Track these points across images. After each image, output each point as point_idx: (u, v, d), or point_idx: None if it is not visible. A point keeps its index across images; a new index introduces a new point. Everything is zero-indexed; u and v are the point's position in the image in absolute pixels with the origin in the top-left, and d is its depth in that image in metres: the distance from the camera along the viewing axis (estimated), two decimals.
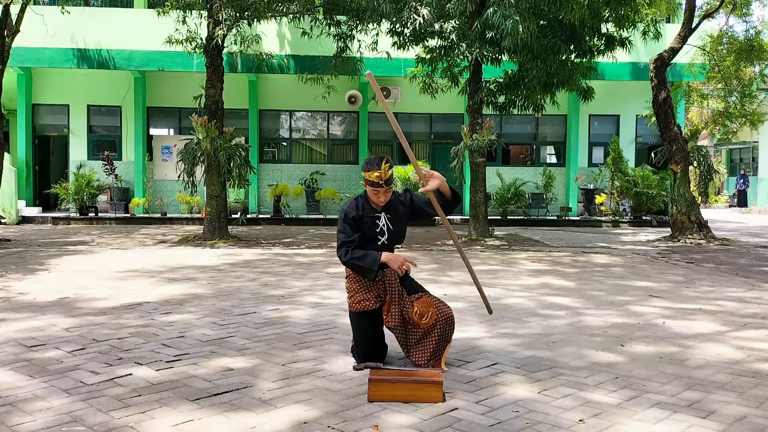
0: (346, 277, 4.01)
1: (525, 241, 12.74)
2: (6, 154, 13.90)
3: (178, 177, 11.81)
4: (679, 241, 12.66)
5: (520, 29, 10.42)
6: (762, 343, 4.61)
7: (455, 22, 11.76)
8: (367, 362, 3.82)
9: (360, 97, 18.75)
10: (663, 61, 13.47)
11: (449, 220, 4.17)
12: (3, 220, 16.40)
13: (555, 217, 18.67)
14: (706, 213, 14.95)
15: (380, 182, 3.75)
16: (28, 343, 4.41)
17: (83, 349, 4.28)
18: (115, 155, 18.36)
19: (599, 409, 3.24)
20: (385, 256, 3.79)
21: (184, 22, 13.36)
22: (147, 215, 17.66)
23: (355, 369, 3.87)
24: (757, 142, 27.40)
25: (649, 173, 18.31)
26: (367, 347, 3.88)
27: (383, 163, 3.74)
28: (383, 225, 3.89)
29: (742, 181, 27.32)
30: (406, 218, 3.99)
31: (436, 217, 4.06)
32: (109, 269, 8.17)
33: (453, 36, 12.30)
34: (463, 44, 11.88)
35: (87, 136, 18.87)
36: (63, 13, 14.11)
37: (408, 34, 12.54)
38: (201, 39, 13.52)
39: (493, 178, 17.70)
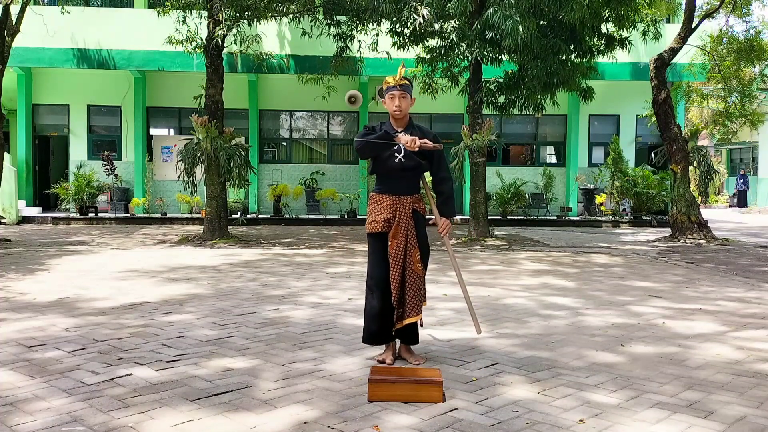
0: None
1: (525, 241, 12.74)
2: (6, 154, 13.90)
3: (178, 177, 11.81)
4: (679, 241, 12.66)
5: (520, 29, 10.42)
6: (762, 343, 4.61)
7: (455, 22, 11.75)
8: (370, 330, 3.91)
9: (360, 97, 18.75)
10: (663, 61, 13.47)
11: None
12: (3, 220, 16.40)
13: (555, 217, 18.67)
14: (706, 213, 14.95)
15: (395, 84, 3.83)
16: (28, 343, 4.41)
17: (83, 349, 4.28)
18: (115, 155, 18.37)
19: (599, 409, 3.24)
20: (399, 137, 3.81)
21: (184, 22, 13.37)
22: (147, 215, 17.67)
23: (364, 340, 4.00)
24: (757, 142, 27.41)
25: (649, 173, 18.32)
26: (373, 270, 3.92)
27: (399, 68, 3.92)
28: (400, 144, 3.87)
29: (742, 181, 27.33)
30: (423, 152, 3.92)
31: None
32: (109, 269, 8.17)
33: (453, 36, 12.30)
34: (463, 44, 11.87)
35: (87, 136, 18.88)
36: (63, 13, 14.10)
37: (408, 34, 12.53)
38: (201, 39, 13.53)
39: (493, 178, 17.71)
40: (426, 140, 3.80)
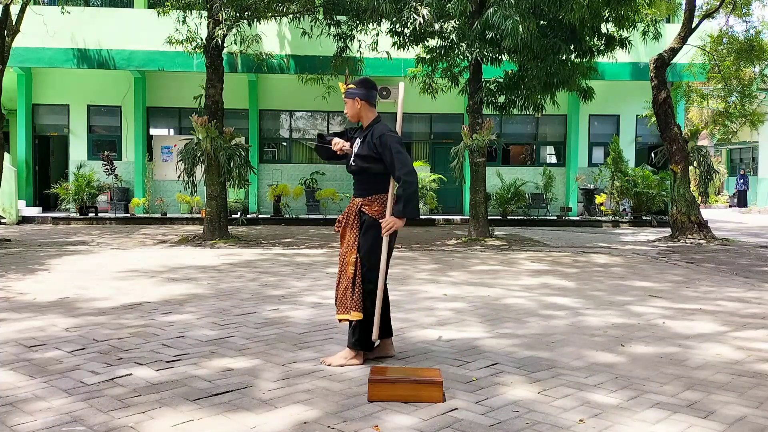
0: None
1: (525, 241, 12.74)
2: (6, 154, 13.89)
3: (178, 177, 11.81)
4: (679, 241, 12.66)
5: (520, 29, 10.42)
6: (762, 343, 4.61)
7: (455, 22, 11.75)
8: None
9: None
10: (663, 61, 13.47)
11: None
12: (3, 220, 16.40)
13: (555, 217, 18.67)
14: (706, 213, 14.95)
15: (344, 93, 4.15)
16: (28, 343, 4.41)
17: (83, 349, 4.28)
18: (115, 155, 18.38)
19: (599, 409, 3.24)
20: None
21: (184, 22, 13.37)
22: (147, 215, 17.67)
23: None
24: (757, 142, 27.41)
25: (649, 173, 18.32)
26: None
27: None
28: (356, 145, 4.08)
29: (742, 181, 27.33)
30: (371, 151, 3.95)
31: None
32: (109, 269, 8.17)
33: (453, 36, 12.29)
34: (463, 44, 11.87)
35: (87, 136, 18.89)
36: (63, 13, 14.10)
37: (408, 34, 12.53)
38: (201, 39, 13.53)
39: (493, 178, 17.70)
40: (341, 141, 4.07)
